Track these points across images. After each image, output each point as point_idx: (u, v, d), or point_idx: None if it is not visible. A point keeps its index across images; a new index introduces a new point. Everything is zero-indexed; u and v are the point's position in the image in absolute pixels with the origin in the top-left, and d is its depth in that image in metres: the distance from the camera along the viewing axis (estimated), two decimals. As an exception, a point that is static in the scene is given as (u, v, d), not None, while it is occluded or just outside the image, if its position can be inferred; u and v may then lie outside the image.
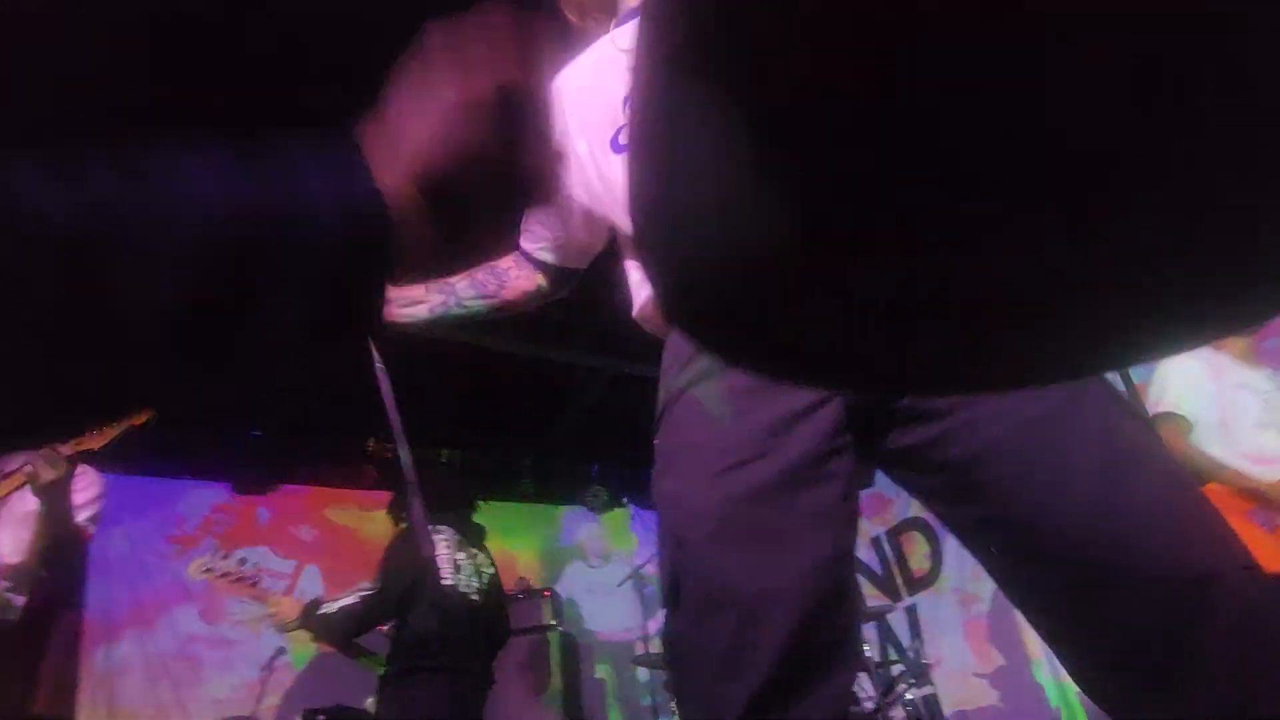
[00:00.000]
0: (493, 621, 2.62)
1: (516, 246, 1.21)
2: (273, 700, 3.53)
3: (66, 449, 1.91)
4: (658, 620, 4.02)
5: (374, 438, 4.35)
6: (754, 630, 0.72)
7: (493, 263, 1.20)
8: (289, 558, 4.06)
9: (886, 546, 4.38)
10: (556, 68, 1.04)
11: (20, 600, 1.95)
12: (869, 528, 4.37)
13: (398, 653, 2.38)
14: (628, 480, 5.17)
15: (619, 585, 4.26)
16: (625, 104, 0.95)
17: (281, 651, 3.62)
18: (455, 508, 2.84)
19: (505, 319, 1.24)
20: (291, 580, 3.99)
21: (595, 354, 4.00)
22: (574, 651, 4.19)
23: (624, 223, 0.99)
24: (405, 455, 1.07)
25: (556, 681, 3.93)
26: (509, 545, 4.70)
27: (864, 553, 4.36)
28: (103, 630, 3.44)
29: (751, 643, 0.72)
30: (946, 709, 3.34)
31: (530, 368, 3.96)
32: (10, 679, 2.19)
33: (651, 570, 4.42)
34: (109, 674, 3.37)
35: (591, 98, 1.01)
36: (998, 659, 3.63)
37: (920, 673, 3.10)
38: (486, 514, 4.63)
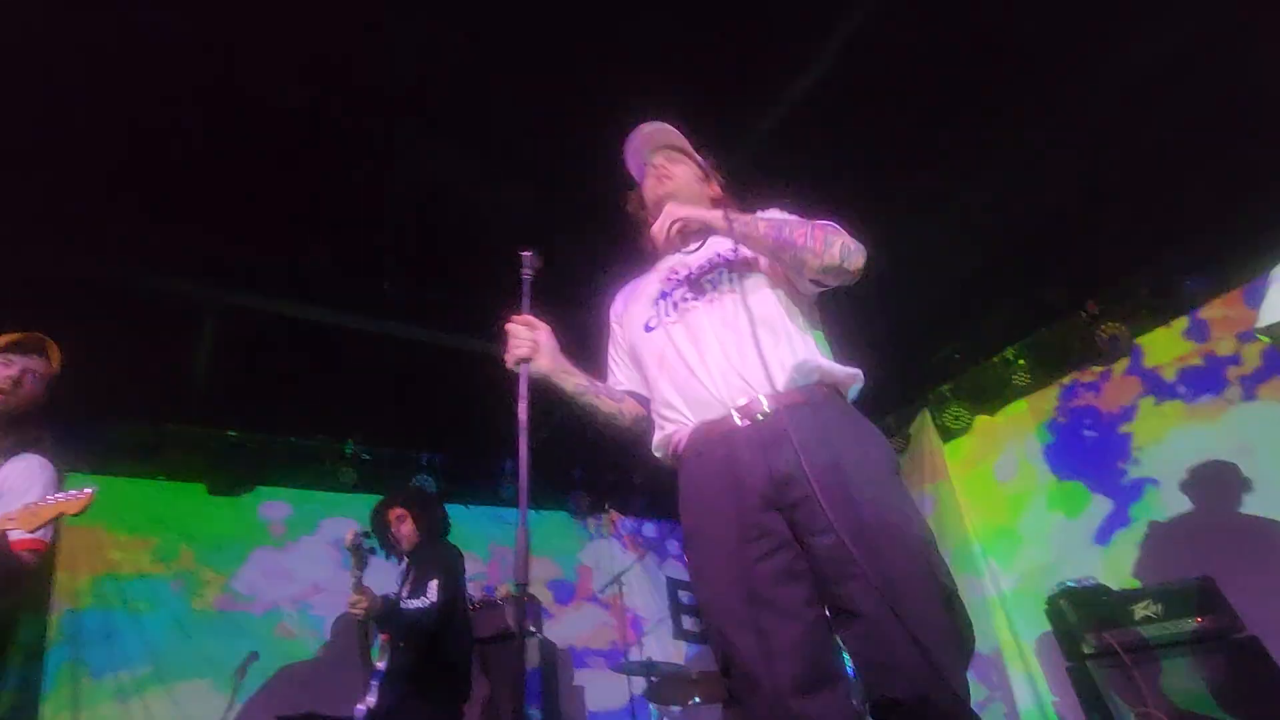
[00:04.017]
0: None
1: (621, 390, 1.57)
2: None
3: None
4: (637, 628, 4.00)
5: (353, 440, 4.29)
6: (775, 677, 1.12)
7: (612, 388, 1.55)
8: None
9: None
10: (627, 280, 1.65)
11: None
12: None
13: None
14: (610, 485, 5.11)
15: (600, 593, 4.24)
16: (657, 300, 1.50)
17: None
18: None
19: (608, 427, 1.54)
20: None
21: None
22: (552, 656, 4.16)
23: (650, 381, 1.47)
24: (524, 478, 1.23)
25: (535, 686, 3.90)
26: (496, 546, 4.67)
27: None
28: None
29: (776, 685, 1.11)
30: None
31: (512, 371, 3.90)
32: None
33: (628, 576, 4.39)
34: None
35: (640, 295, 1.55)
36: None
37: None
38: (469, 517, 4.59)
